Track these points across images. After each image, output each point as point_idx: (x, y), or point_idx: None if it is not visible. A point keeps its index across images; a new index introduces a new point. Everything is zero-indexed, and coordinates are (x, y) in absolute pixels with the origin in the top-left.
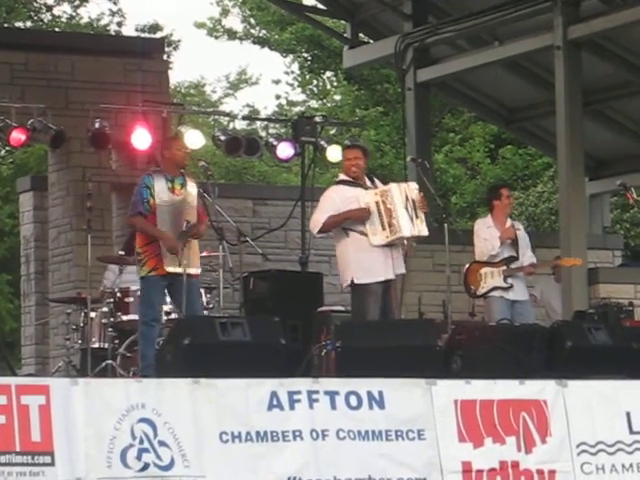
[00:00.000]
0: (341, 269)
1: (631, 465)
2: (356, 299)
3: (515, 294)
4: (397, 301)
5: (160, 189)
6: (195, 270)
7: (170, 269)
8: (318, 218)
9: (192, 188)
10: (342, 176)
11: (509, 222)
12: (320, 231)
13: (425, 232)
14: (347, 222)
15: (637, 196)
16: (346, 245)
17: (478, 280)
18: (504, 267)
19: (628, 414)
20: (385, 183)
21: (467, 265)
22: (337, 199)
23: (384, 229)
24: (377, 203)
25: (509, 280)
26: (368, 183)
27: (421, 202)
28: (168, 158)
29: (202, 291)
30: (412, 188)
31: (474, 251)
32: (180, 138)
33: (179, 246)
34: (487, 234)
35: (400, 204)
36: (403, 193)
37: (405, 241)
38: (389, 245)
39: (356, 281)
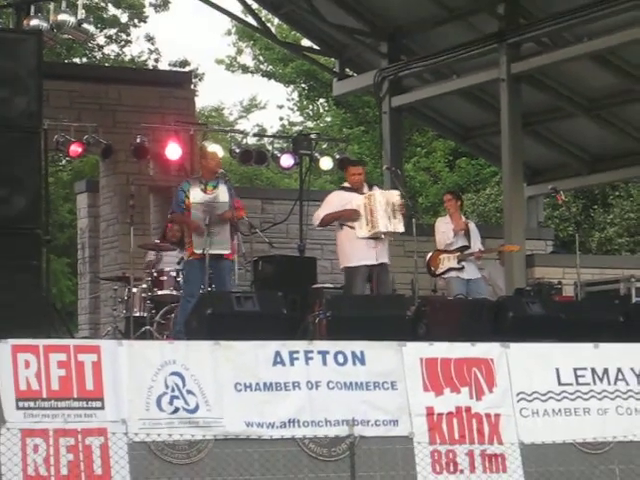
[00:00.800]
0: (339, 255)
1: (560, 410)
2: (347, 279)
3: (468, 274)
4: (385, 284)
5: (194, 192)
6: (225, 251)
7: (197, 251)
8: (319, 214)
9: (223, 188)
10: (345, 184)
11: (463, 219)
12: (319, 225)
13: (400, 229)
14: (341, 219)
15: (565, 198)
16: (341, 237)
17: (437, 263)
18: (458, 253)
19: (557, 370)
20: (381, 189)
21: (430, 252)
22: (335, 201)
23: (367, 225)
24: (365, 205)
25: (462, 263)
26: (366, 190)
27: (400, 206)
28: (204, 166)
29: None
30: (394, 194)
31: (435, 241)
32: (213, 150)
33: (204, 229)
34: (444, 228)
35: (380, 206)
36: (384, 198)
37: (382, 235)
38: (373, 238)
39: (347, 265)
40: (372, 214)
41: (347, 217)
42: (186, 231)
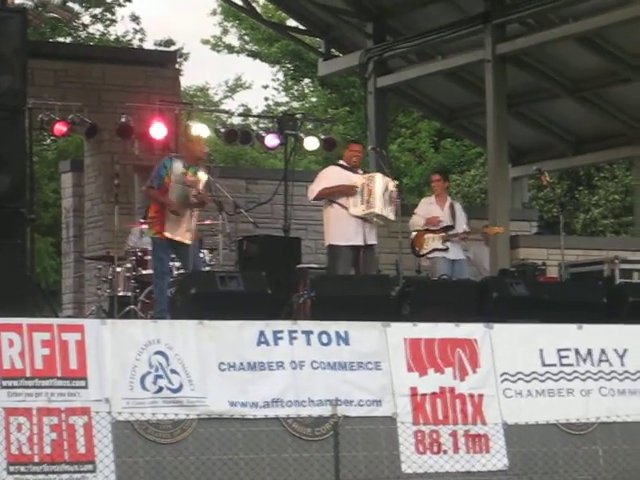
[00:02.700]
0: (325, 233)
1: (543, 390)
2: (330, 257)
3: (453, 254)
4: (371, 265)
5: (176, 171)
6: (189, 241)
7: (168, 235)
8: (314, 188)
9: (203, 176)
10: (341, 162)
11: (449, 201)
12: (314, 198)
13: (392, 217)
14: (334, 195)
15: (549, 179)
16: (329, 214)
17: (422, 243)
18: (443, 234)
19: (541, 350)
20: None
21: (415, 232)
22: (334, 176)
23: (362, 203)
24: (363, 185)
25: (446, 243)
26: (360, 172)
27: (396, 196)
28: (189, 149)
29: (205, 251)
30: (392, 184)
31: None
32: (203, 138)
33: (181, 212)
34: (422, 210)
35: (379, 189)
36: (385, 183)
37: (375, 218)
38: (363, 219)
39: (332, 242)
40: (370, 194)
41: (345, 192)
42: (156, 209)
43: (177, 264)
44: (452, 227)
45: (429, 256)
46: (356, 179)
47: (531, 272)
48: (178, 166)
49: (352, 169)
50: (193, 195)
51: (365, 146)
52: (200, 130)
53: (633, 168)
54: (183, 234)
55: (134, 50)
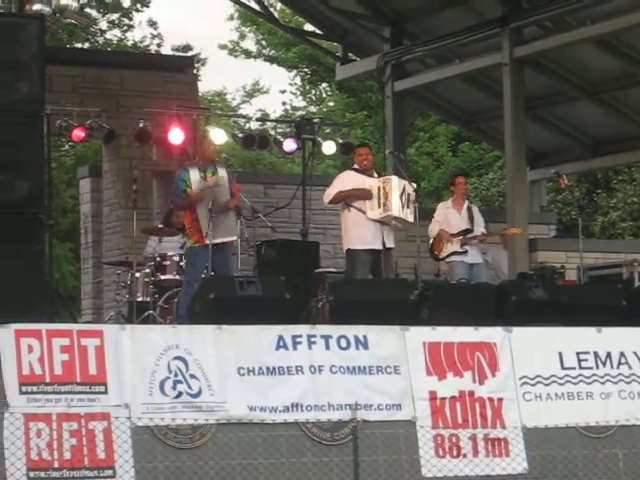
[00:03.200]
0: (343, 238)
1: (562, 394)
2: (349, 262)
3: (472, 258)
4: (389, 268)
5: (194, 179)
6: (230, 238)
7: (208, 241)
8: (330, 192)
9: (223, 173)
10: (355, 166)
11: (466, 204)
12: (330, 202)
13: (411, 219)
14: (350, 199)
15: (567, 182)
16: (346, 218)
17: (441, 247)
18: (461, 237)
19: (560, 354)
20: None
21: (434, 236)
22: (348, 180)
23: (379, 207)
24: (379, 188)
25: (465, 247)
26: (375, 175)
27: (415, 198)
28: (201, 152)
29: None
30: (410, 186)
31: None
32: (210, 136)
33: (208, 198)
34: (440, 216)
35: (396, 191)
36: (402, 186)
37: (393, 220)
38: (381, 222)
39: (350, 247)
40: (387, 197)
41: (360, 196)
42: (186, 217)
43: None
44: (471, 230)
45: (447, 260)
46: (371, 182)
47: (550, 275)
48: (194, 174)
49: (366, 173)
50: (222, 201)
51: (381, 150)
52: (217, 135)
53: None
54: (224, 235)
55: (152, 55)
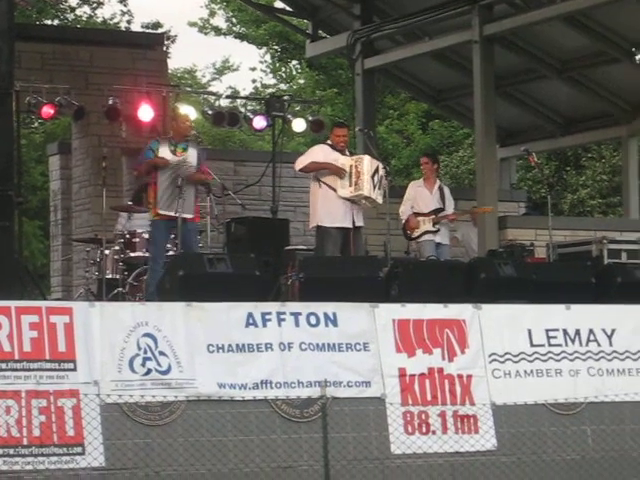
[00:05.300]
0: (310, 214)
1: (532, 371)
2: (319, 239)
3: (440, 238)
4: (358, 246)
5: (163, 151)
6: (189, 215)
7: (162, 212)
8: (304, 160)
9: (193, 152)
10: (329, 142)
11: (438, 183)
12: (302, 169)
13: (380, 201)
14: (322, 174)
15: (537, 159)
16: (316, 195)
17: (413, 227)
18: (433, 216)
19: (529, 331)
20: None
21: (408, 215)
22: (321, 155)
23: (350, 185)
24: (351, 166)
25: (437, 226)
26: (347, 154)
27: (385, 180)
28: (175, 128)
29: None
30: (381, 167)
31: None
32: (185, 113)
33: (166, 162)
34: (411, 194)
35: (367, 172)
36: (373, 166)
37: (363, 200)
38: (351, 200)
39: (320, 224)
40: (358, 176)
41: (332, 170)
42: (150, 191)
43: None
44: (442, 209)
45: (419, 239)
46: (344, 160)
47: (519, 253)
48: (165, 147)
49: (340, 150)
50: (186, 176)
51: (351, 127)
52: (187, 112)
53: (621, 148)
54: (176, 210)
55: (121, 32)
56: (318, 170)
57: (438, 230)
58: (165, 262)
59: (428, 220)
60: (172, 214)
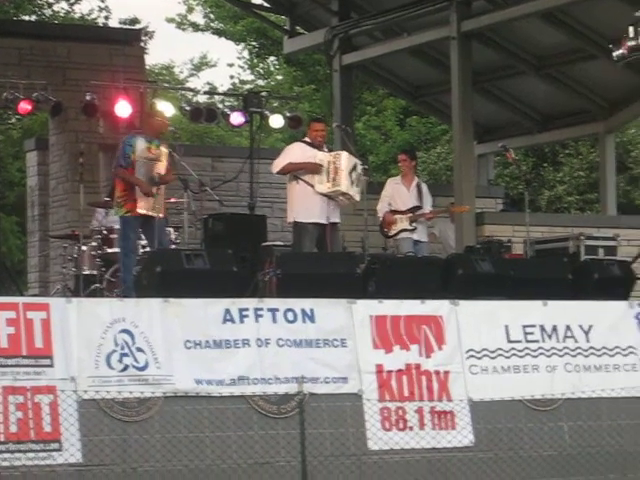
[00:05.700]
0: (288, 209)
1: (509, 367)
2: (296, 234)
3: (418, 235)
4: (335, 242)
5: (140, 147)
6: (160, 214)
7: (142, 211)
8: (280, 162)
9: (164, 149)
10: (307, 139)
11: (416, 181)
12: (279, 172)
13: (357, 198)
14: (300, 172)
15: (515, 156)
16: (294, 191)
17: (390, 225)
18: (411, 214)
19: (506, 327)
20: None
21: (384, 213)
22: (298, 152)
23: (328, 181)
24: (329, 162)
25: (414, 224)
26: (325, 149)
27: (363, 177)
28: (151, 124)
29: (170, 229)
30: (359, 165)
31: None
32: (160, 110)
33: (152, 191)
34: (388, 191)
35: (346, 168)
36: (351, 163)
37: (341, 196)
38: (328, 196)
39: (296, 220)
40: (336, 172)
41: (309, 169)
42: (123, 187)
43: (143, 242)
44: (419, 207)
45: (397, 237)
46: (322, 156)
47: (496, 249)
48: (141, 142)
49: (317, 146)
50: (157, 173)
51: (328, 123)
52: (165, 108)
53: (598, 145)
54: (153, 208)
55: (99, 28)
56: (295, 171)
57: (415, 228)
58: (137, 258)
59: (405, 218)
60: (150, 213)
